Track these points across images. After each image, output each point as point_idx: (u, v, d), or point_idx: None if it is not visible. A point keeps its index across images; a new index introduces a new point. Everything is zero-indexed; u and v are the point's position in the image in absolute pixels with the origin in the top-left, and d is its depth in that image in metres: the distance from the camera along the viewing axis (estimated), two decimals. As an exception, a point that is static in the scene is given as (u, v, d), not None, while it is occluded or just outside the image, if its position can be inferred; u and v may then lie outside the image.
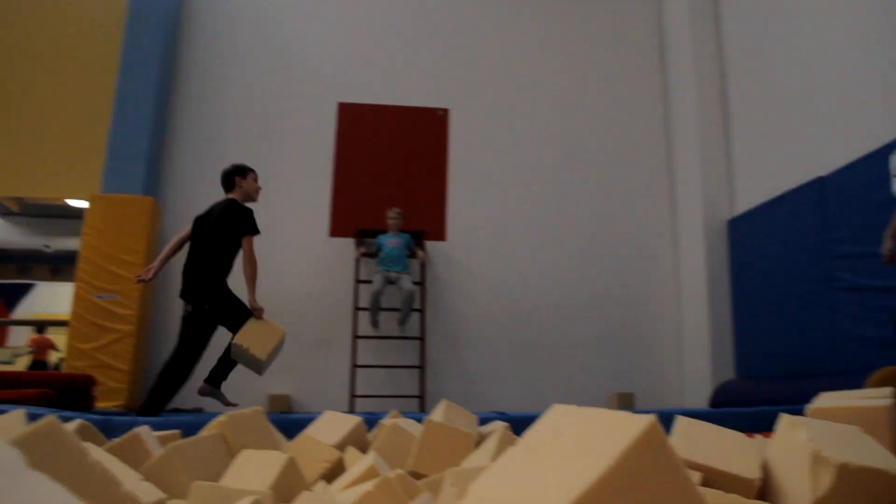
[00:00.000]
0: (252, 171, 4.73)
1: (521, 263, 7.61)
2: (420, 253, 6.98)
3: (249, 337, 4.21)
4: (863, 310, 5.18)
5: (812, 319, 5.73)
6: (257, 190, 4.73)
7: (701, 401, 6.84)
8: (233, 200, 4.56)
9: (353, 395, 6.65)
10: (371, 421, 2.83)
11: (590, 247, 7.73)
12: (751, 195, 6.93)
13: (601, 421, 0.87)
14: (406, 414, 2.93)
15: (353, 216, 7.33)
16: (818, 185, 5.81)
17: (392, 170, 7.59)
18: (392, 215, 6.90)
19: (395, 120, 7.71)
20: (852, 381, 4.20)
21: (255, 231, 4.47)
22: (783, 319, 6.12)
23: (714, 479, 1.36)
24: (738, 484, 1.35)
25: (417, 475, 1.91)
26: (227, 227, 4.43)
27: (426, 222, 7.42)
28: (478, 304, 7.44)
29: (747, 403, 5.37)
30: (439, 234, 7.49)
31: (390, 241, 6.83)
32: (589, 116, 8.06)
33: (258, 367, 4.28)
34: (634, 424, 0.80)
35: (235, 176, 4.65)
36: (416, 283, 6.95)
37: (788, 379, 5.84)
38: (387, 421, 2.38)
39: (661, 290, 7.72)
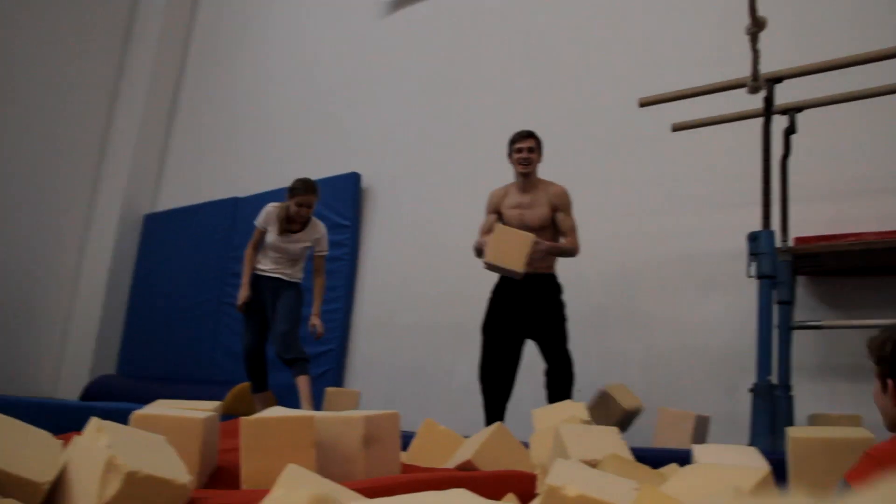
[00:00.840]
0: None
1: None
2: None
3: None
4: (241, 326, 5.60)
5: (200, 328, 5.97)
6: None
7: (75, 392, 6.46)
8: None
9: None
10: None
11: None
12: (174, 198, 7.00)
13: None
14: None
15: None
16: (233, 203, 6.19)
17: None
18: None
19: None
20: (220, 392, 4.46)
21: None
22: (173, 323, 6.25)
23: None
24: (25, 486, 1.22)
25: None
26: None
27: None
28: None
29: (118, 399, 5.23)
30: None
31: None
32: (31, 72, 7.03)
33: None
34: None
35: None
36: None
37: (164, 381, 5.92)
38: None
39: (60, 271, 7.10)
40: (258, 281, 4.11)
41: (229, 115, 6.93)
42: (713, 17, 4.24)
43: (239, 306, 4.10)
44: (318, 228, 4.14)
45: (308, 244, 4.10)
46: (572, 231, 3.60)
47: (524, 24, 5.23)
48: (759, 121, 3.28)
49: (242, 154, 6.55)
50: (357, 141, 5.76)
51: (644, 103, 3.72)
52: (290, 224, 4.08)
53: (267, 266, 4.11)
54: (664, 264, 4.15)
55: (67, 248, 7.17)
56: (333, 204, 5.44)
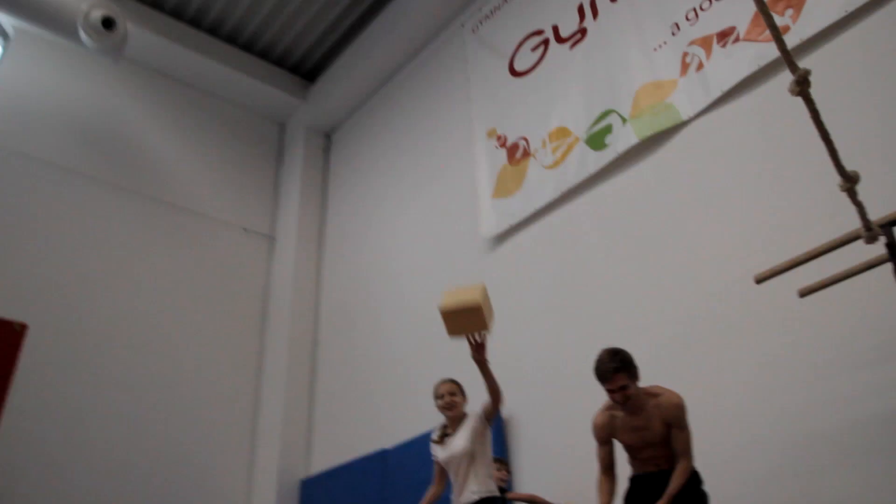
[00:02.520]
0: None
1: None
2: None
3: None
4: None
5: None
6: None
7: None
8: None
9: None
10: None
11: (161, 494, 6.99)
12: (325, 458, 7.15)
13: None
14: None
15: None
16: (382, 456, 6.23)
17: None
18: None
19: None
20: None
21: None
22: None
23: None
24: None
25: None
26: None
27: None
28: None
29: None
30: None
31: None
32: (181, 357, 7.71)
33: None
34: None
35: None
36: None
37: None
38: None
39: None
40: None
41: (365, 370, 7.22)
42: (806, 178, 4.20)
43: None
44: (471, 414, 4.00)
45: (467, 435, 3.89)
46: (686, 449, 3.32)
47: (618, 226, 5.36)
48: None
49: (382, 407, 6.72)
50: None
51: (759, 279, 3.62)
52: (446, 428, 4.06)
53: (456, 498, 3.90)
54: (835, 438, 3.76)
55: None
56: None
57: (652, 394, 3.41)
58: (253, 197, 9.26)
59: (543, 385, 5.40)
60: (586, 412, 4.90)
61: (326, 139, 9.60)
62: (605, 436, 3.53)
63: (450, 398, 4.03)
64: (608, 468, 3.54)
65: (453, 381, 4.14)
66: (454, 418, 4.05)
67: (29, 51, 7.99)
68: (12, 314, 6.75)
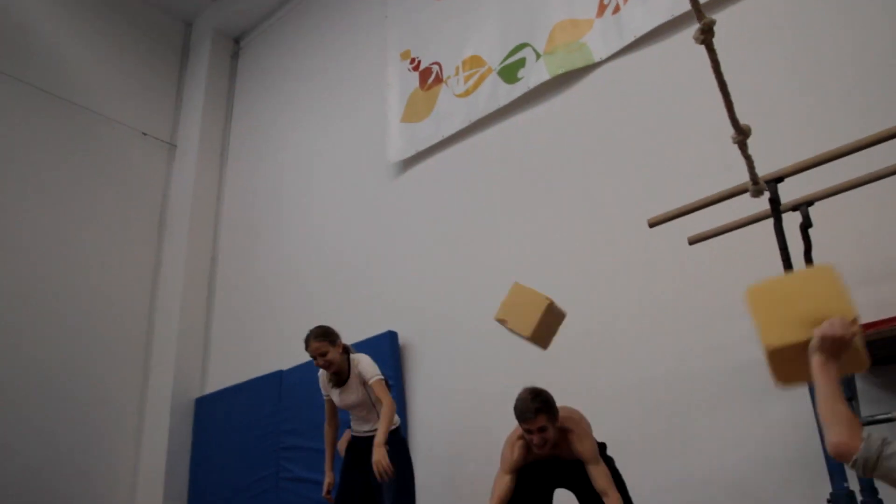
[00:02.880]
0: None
1: None
2: None
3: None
4: (303, 500, 5.49)
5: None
6: None
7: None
8: None
9: None
10: None
11: (47, 410, 6.75)
12: (220, 377, 7.11)
13: None
14: None
15: None
16: (277, 377, 6.24)
17: None
18: None
19: None
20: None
21: None
22: (236, 501, 6.16)
23: None
24: None
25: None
26: None
27: None
28: None
29: None
30: None
31: None
32: (71, 266, 7.34)
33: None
34: None
35: None
36: None
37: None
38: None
39: (118, 468, 7.10)
40: (355, 445, 4.09)
41: (263, 292, 7.14)
42: (706, 129, 4.32)
43: (324, 494, 4.07)
44: (357, 363, 4.04)
45: (361, 390, 4.01)
46: (609, 483, 3.17)
47: (524, 160, 5.41)
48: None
49: (281, 328, 6.67)
50: (389, 300, 5.85)
51: (653, 223, 3.75)
52: (336, 377, 4.08)
53: (355, 427, 4.12)
54: (712, 379, 4.02)
55: (123, 443, 7.21)
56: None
57: (565, 429, 3.36)
58: (154, 100, 8.74)
59: (438, 313, 5.47)
60: (478, 340, 5.08)
61: (235, 44, 9.14)
62: (512, 465, 3.40)
63: (322, 359, 4.00)
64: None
65: (319, 337, 4.01)
66: (338, 371, 4.07)
67: None
68: None
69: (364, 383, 4.01)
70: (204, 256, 7.88)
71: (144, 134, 8.48)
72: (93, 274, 7.50)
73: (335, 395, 4.13)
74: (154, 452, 7.04)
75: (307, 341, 4.03)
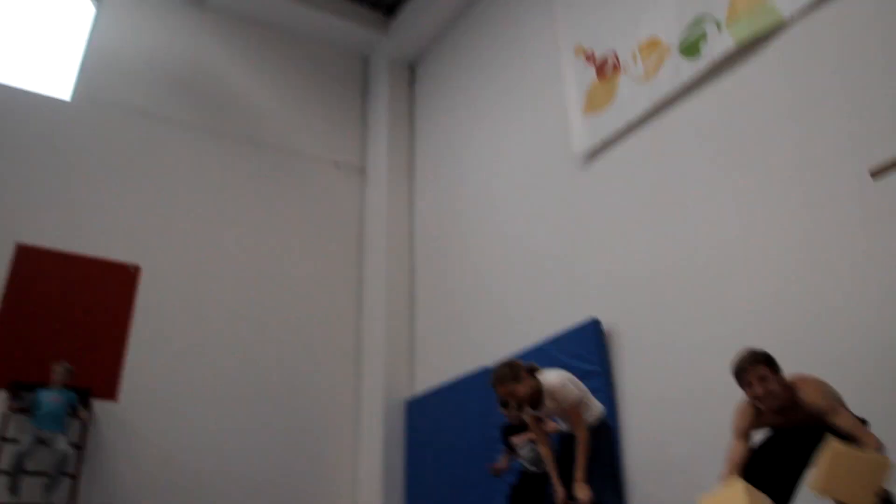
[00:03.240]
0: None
1: (202, 435, 7.14)
2: (82, 412, 6.25)
3: None
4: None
5: (481, 500, 6.01)
6: None
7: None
8: None
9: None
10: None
11: (272, 420, 7.52)
12: (428, 379, 7.42)
13: None
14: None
15: (10, 367, 6.41)
16: (484, 374, 6.38)
17: (69, 322, 6.92)
18: (58, 370, 6.19)
19: (80, 271, 7.13)
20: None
21: None
22: (454, 499, 6.34)
23: None
24: None
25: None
26: None
27: (98, 380, 6.73)
28: (146, 474, 6.76)
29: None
30: (110, 394, 6.78)
31: (51, 397, 6.06)
32: (284, 290, 8.13)
33: None
34: None
35: None
36: (73, 446, 6.13)
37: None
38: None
39: (338, 467, 7.67)
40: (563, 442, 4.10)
41: (462, 295, 7.40)
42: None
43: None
44: (549, 389, 3.90)
45: (555, 411, 3.99)
46: (859, 431, 2.93)
47: (719, 135, 5.23)
48: None
49: (482, 325, 6.89)
50: (588, 288, 5.86)
51: (876, 172, 3.48)
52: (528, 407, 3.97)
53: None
54: None
55: (341, 448, 7.77)
56: (579, 352, 5.49)
57: (794, 387, 3.15)
58: (342, 132, 9.43)
59: (643, 300, 5.41)
60: (685, 325, 4.95)
61: (410, 71, 9.62)
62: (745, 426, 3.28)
63: (514, 399, 3.89)
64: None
65: (504, 381, 3.86)
66: (535, 399, 3.96)
67: (120, 5, 8.30)
68: (127, 258, 7.30)
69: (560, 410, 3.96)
70: (403, 269, 8.31)
71: (337, 164, 9.15)
72: (304, 296, 8.23)
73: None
74: (371, 454, 7.49)
75: (494, 386, 3.90)
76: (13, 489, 5.80)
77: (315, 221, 8.70)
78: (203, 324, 7.56)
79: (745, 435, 3.28)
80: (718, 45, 5.30)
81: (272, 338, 7.87)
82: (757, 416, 3.26)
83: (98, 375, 6.79)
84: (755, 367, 3.14)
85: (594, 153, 6.21)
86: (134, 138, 7.87)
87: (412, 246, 8.49)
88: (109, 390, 6.82)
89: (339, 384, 8.04)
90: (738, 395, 3.29)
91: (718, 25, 5.33)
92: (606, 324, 5.55)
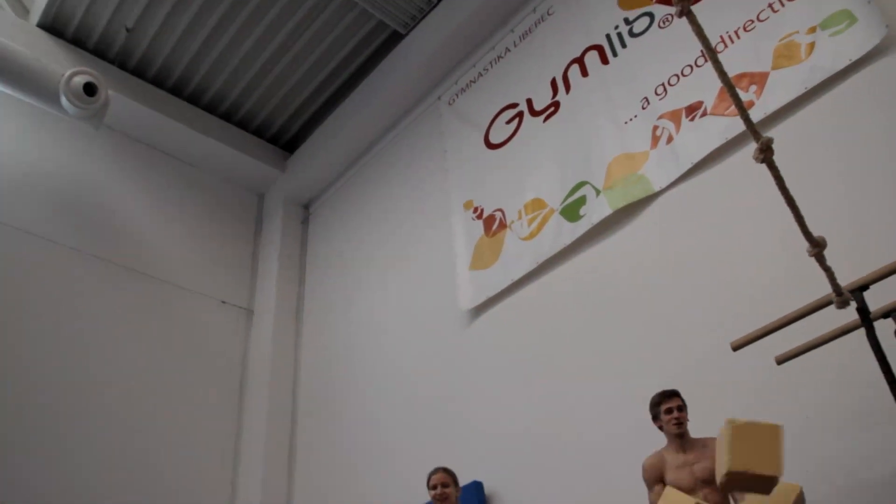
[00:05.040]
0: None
1: None
2: None
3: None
4: None
5: None
6: None
7: None
8: None
9: None
10: None
11: None
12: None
13: None
14: None
15: None
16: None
17: None
18: None
19: None
20: None
21: None
22: None
23: None
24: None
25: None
26: None
27: None
28: None
29: None
30: None
31: None
32: (160, 433, 7.42)
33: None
34: None
35: None
36: None
37: None
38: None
39: None
40: None
41: (348, 445, 7.03)
42: (779, 245, 4.28)
43: None
44: None
45: None
46: None
47: (595, 295, 5.40)
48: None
49: (368, 483, 6.54)
50: (472, 448, 5.69)
51: (736, 346, 3.64)
52: None
53: None
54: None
55: None
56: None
57: (696, 438, 3.63)
58: (231, 269, 9.14)
59: (522, 458, 5.31)
60: (564, 483, 4.87)
61: (305, 210, 9.61)
62: (656, 475, 3.62)
63: (442, 490, 4.15)
64: None
65: (445, 471, 4.23)
66: None
67: (9, 119, 7.96)
68: None
69: None
70: (284, 417, 7.89)
71: (223, 302, 8.84)
72: (180, 439, 7.57)
73: None
74: None
75: (433, 474, 4.23)
76: None
77: (196, 361, 8.14)
78: (73, 462, 6.74)
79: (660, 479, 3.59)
80: (596, 209, 5.60)
81: (143, 484, 7.08)
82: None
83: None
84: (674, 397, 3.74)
85: (479, 309, 6.27)
86: (12, 258, 7.30)
87: (295, 393, 8.12)
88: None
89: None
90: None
91: (597, 192, 5.64)
92: (488, 486, 5.38)
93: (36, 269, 7.45)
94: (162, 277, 8.41)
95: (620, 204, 5.42)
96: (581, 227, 5.64)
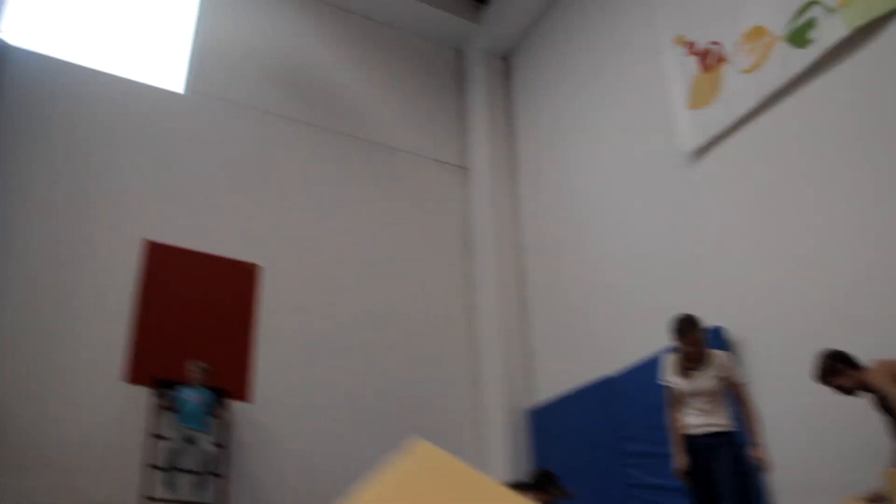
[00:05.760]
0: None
1: (330, 435, 7.16)
2: (222, 412, 6.56)
3: None
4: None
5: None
6: None
7: None
8: None
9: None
10: None
11: (397, 423, 7.34)
12: (549, 387, 7.29)
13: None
14: None
15: (150, 364, 6.52)
16: (607, 383, 6.37)
17: (198, 319, 6.95)
18: (194, 369, 6.45)
19: (203, 267, 7.15)
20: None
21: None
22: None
23: None
24: None
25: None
26: None
27: (230, 380, 6.78)
28: (285, 477, 6.87)
29: None
30: (242, 395, 7.07)
31: (191, 396, 6.39)
32: (398, 294, 8.10)
33: None
34: None
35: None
36: (217, 446, 6.50)
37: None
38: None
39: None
40: (690, 443, 4.21)
41: (577, 298, 7.28)
42: None
43: (677, 472, 4.23)
44: (718, 356, 4.26)
45: (716, 376, 4.20)
46: None
47: (833, 126, 5.01)
48: None
49: (600, 332, 6.78)
50: (707, 294, 5.63)
51: None
52: (690, 363, 4.25)
53: (692, 421, 4.23)
54: None
55: (462, 458, 7.60)
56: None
57: None
58: (441, 128, 9.36)
59: (763, 303, 5.23)
60: (813, 333, 4.69)
61: (504, 62, 9.50)
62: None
63: (698, 347, 4.21)
64: None
65: (691, 319, 4.24)
66: (696, 354, 4.24)
67: (220, 2, 8.44)
68: (242, 254, 7.49)
69: (720, 377, 4.20)
70: (512, 271, 8.22)
71: (438, 161, 9.22)
72: (411, 298, 8.17)
73: (684, 383, 4.25)
74: (495, 465, 7.27)
75: (690, 327, 4.22)
76: (170, 485, 6.21)
77: (421, 220, 8.66)
78: (319, 323, 7.57)
79: None
80: (829, 31, 5.07)
81: (386, 340, 7.83)
82: None
83: (229, 375, 6.80)
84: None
85: (701, 150, 6.05)
86: (243, 133, 7.97)
87: (521, 246, 8.37)
88: (241, 391, 7.05)
89: (458, 390, 7.95)
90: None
91: (829, 10, 5.12)
92: (735, 336, 5.37)
93: (264, 143, 8.09)
94: (379, 141, 8.81)
95: (859, 22, 4.81)
96: (811, 54, 5.13)
